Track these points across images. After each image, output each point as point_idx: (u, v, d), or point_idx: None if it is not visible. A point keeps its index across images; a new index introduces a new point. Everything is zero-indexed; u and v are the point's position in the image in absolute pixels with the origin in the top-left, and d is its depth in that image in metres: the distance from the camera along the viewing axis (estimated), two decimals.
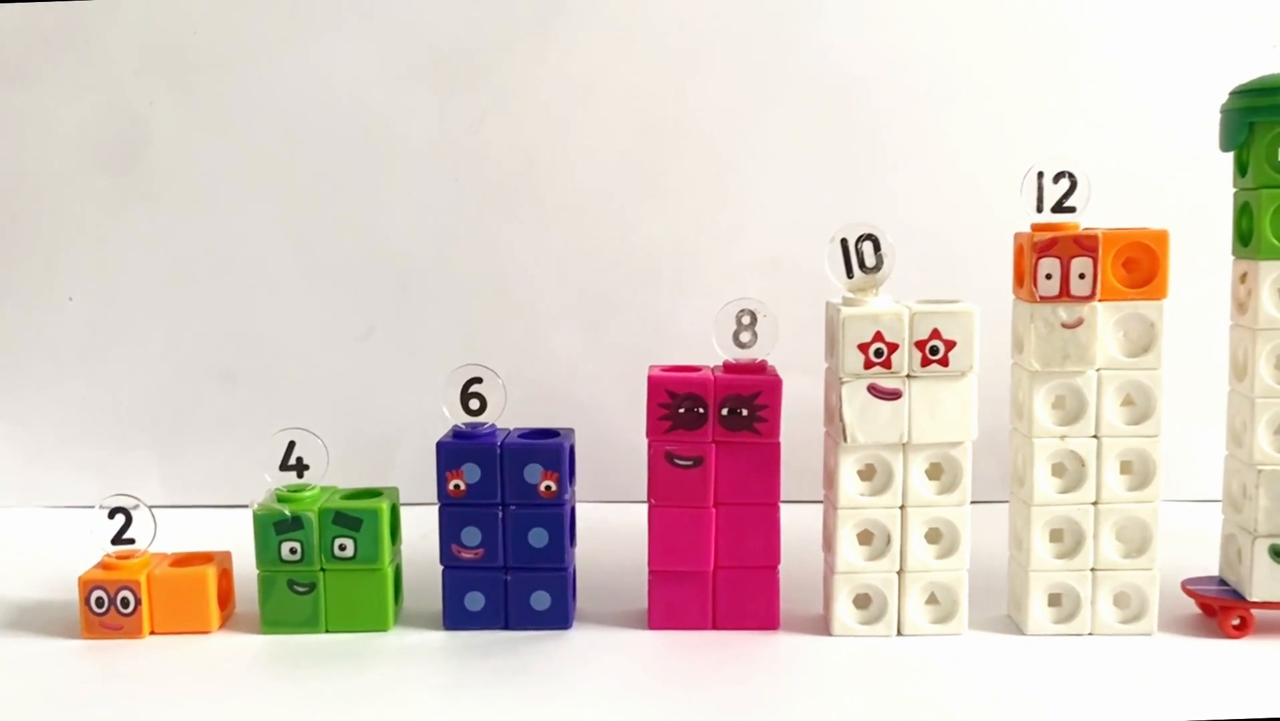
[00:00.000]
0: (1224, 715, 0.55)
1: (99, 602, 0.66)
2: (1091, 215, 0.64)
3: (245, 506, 0.68)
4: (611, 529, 0.70)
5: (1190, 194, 0.67)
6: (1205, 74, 0.65)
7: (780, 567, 0.66)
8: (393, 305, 0.87)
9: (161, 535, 0.69)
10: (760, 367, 0.62)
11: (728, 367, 0.62)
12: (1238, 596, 0.61)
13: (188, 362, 0.89)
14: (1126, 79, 0.82)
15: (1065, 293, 0.58)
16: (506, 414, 0.67)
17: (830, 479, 0.61)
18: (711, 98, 0.84)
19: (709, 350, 0.63)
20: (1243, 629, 0.61)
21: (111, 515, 0.65)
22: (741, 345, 0.62)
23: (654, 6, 0.83)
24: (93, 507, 0.70)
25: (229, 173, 0.87)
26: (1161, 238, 0.58)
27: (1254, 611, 0.61)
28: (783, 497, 0.67)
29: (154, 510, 0.69)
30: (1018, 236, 0.60)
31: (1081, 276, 0.58)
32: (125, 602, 0.66)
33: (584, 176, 0.85)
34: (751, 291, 0.78)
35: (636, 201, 0.86)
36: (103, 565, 0.67)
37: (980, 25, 0.82)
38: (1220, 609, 0.61)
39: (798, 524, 0.67)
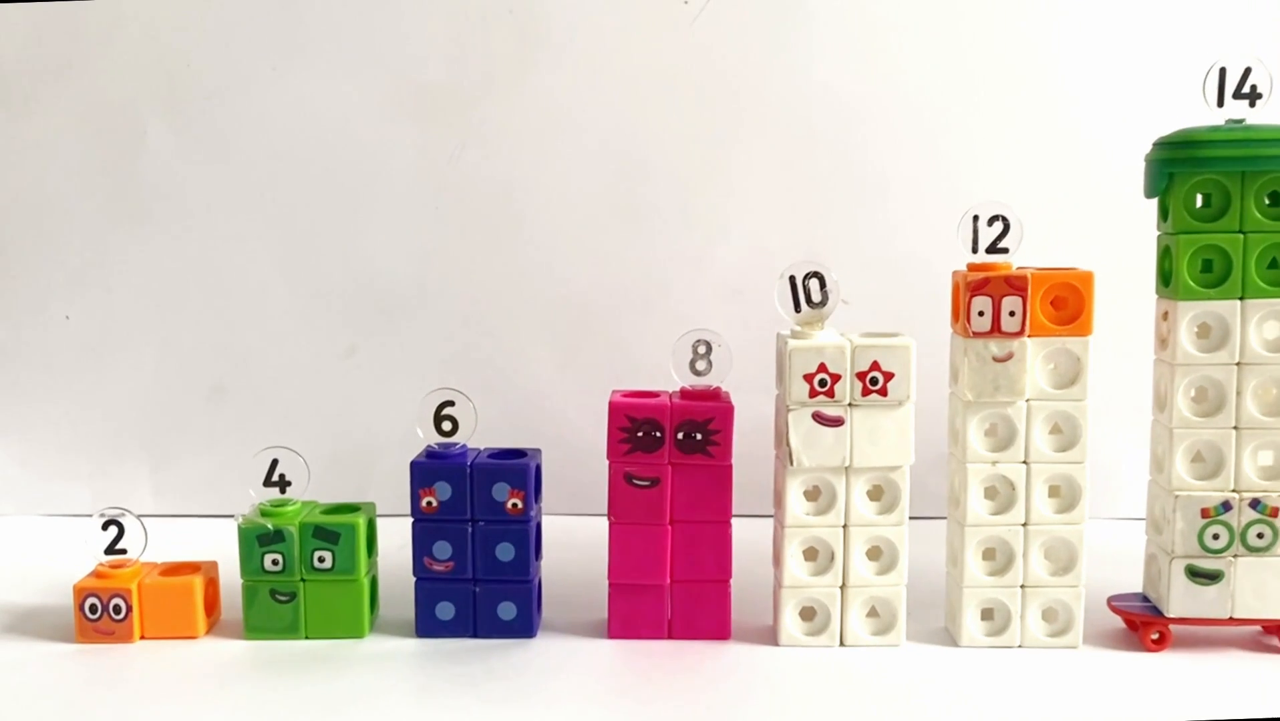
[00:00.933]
0: (1137, 719, 0.57)
1: (92, 609, 0.67)
2: (1035, 254, 0.66)
3: (233, 516, 0.69)
4: (578, 541, 0.72)
5: (1123, 235, 0.69)
6: (1136, 124, 0.67)
7: (732, 580, 0.67)
8: (374, 326, 0.89)
9: (153, 544, 0.71)
10: (715, 394, 0.65)
11: (684, 394, 0.65)
12: (1157, 612, 0.64)
13: (179, 379, 0.91)
14: (1066, 126, 0.85)
15: (996, 329, 0.61)
16: (483, 430, 0.70)
17: (779, 499, 0.64)
18: (680, 133, 0.87)
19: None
20: (1161, 642, 0.64)
21: (105, 526, 0.68)
22: (697, 373, 0.65)
23: (625, 45, 0.86)
24: (88, 516, 0.72)
25: (220, 199, 0.89)
26: (1087, 279, 0.62)
27: (1171, 626, 0.63)
28: (740, 511, 0.68)
29: (145, 521, 0.70)
30: (955, 275, 0.64)
31: (1012, 314, 0.61)
32: (117, 609, 0.68)
33: (557, 206, 0.87)
34: (716, 317, 0.82)
35: (607, 230, 0.88)
36: (96, 573, 0.69)
37: (932, 70, 0.85)
38: (1141, 624, 0.64)
39: (752, 537, 0.69)
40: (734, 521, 0.67)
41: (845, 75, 0.85)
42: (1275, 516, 0.61)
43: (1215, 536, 0.62)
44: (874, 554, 0.64)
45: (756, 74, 0.86)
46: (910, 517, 0.68)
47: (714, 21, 0.84)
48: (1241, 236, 0.60)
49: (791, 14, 0.85)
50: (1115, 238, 0.69)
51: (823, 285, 0.63)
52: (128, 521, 0.67)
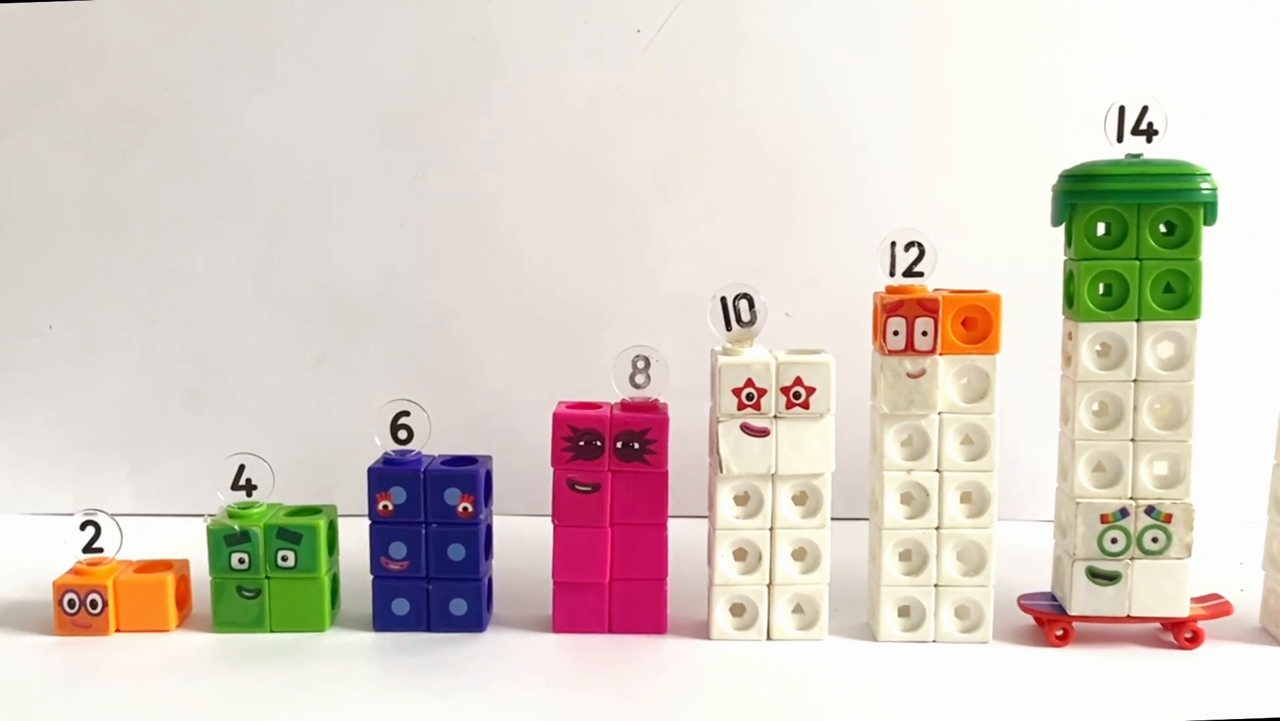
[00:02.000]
0: (1044, 713, 0.61)
1: (70, 604, 0.70)
2: (955, 276, 0.70)
3: (206, 515, 0.72)
4: (528, 540, 0.75)
5: (1037, 259, 0.72)
6: (1046, 156, 0.69)
7: (671, 577, 0.70)
8: (341, 336, 0.92)
9: (130, 542, 0.74)
10: (653, 406, 0.69)
11: (624, 406, 0.69)
12: (1062, 611, 0.68)
13: (156, 385, 0.93)
14: (983, 157, 0.88)
15: (910, 347, 0.66)
16: (443, 435, 0.73)
17: (711, 503, 0.68)
18: (633, 153, 0.89)
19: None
20: (1064, 639, 0.68)
21: (83, 527, 0.71)
22: (636, 386, 0.69)
23: (579, 71, 0.88)
24: (69, 516, 0.76)
25: (195, 216, 0.91)
26: (995, 301, 0.66)
27: (1075, 624, 0.67)
28: (687, 511, 0.73)
29: (124, 520, 0.73)
30: (875, 296, 0.67)
31: (924, 334, 0.65)
32: (94, 604, 0.70)
33: (517, 223, 0.90)
34: (665, 328, 0.86)
35: (562, 246, 0.90)
36: (75, 571, 0.72)
37: (862, 101, 0.88)
38: (1047, 621, 0.68)
39: (698, 536, 0.72)
40: (680, 521, 0.70)
41: (785, 102, 0.88)
42: (1169, 522, 0.65)
43: (1114, 540, 0.66)
44: (799, 554, 0.68)
45: (703, 99, 0.88)
46: (844, 518, 0.72)
47: (664, 50, 0.87)
48: (1138, 263, 0.64)
49: (736, 44, 0.87)
50: (1030, 261, 0.72)
51: (751, 306, 0.66)
52: (104, 522, 0.70)
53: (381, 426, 0.70)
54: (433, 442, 0.72)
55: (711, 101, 0.89)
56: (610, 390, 0.70)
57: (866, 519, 0.71)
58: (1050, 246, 0.68)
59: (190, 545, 0.75)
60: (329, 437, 0.91)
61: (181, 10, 0.89)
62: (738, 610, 0.69)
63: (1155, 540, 0.65)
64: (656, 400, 0.69)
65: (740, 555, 0.69)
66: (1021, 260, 0.73)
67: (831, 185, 0.88)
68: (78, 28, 0.89)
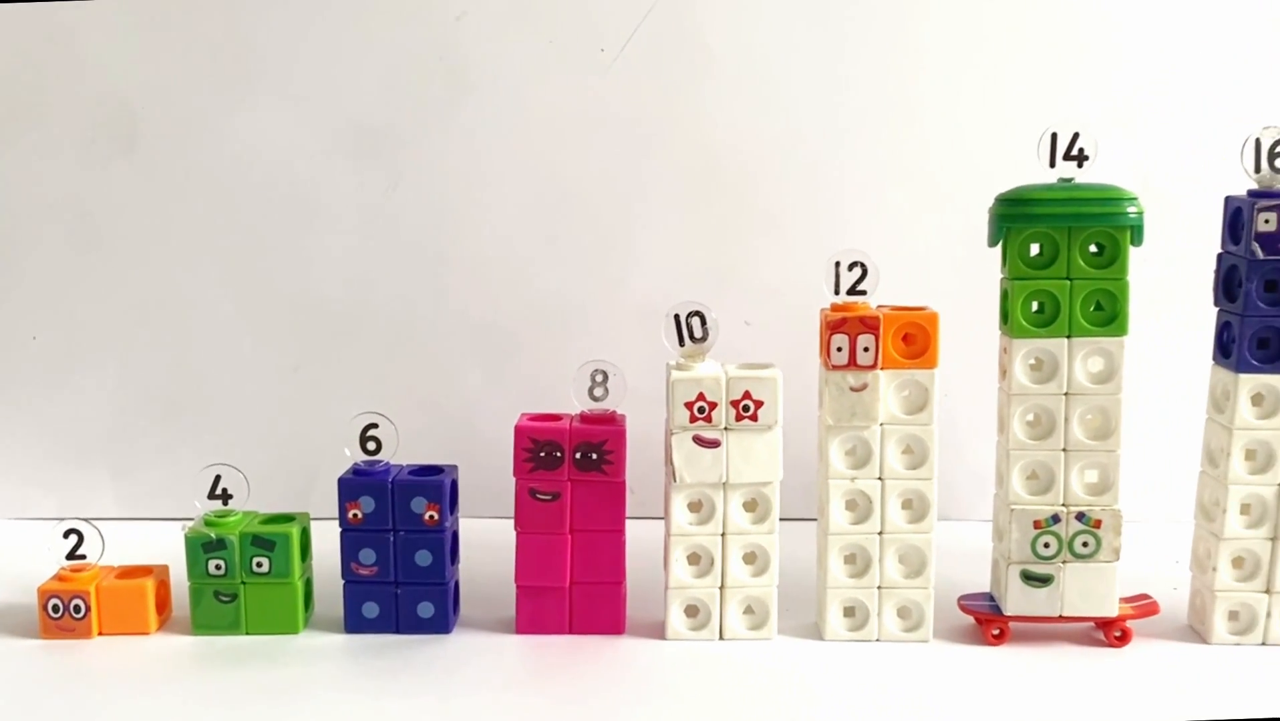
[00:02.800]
0: (981, 709, 0.65)
1: (55, 609, 0.72)
2: (901, 293, 0.72)
3: (186, 519, 0.74)
4: (495, 543, 0.76)
5: (978, 278, 0.74)
6: (984, 180, 0.71)
7: (628, 580, 0.73)
8: (316, 347, 0.93)
9: (112, 546, 0.76)
10: (610, 418, 0.71)
11: (583, 418, 0.71)
12: (998, 611, 0.71)
13: (137, 394, 0.94)
14: (927, 179, 0.89)
15: (853, 362, 0.69)
16: (413, 442, 0.75)
17: (666, 511, 0.71)
18: (595, 169, 0.91)
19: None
20: (1001, 638, 0.71)
21: (66, 535, 0.73)
22: (595, 399, 0.71)
23: (545, 88, 0.90)
24: (53, 520, 0.78)
25: (173, 229, 0.92)
26: (933, 318, 0.69)
27: (1010, 623, 0.71)
28: (647, 514, 0.76)
29: (106, 524, 0.75)
30: (821, 313, 0.70)
31: (866, 350, 0.68)
32: (77, 609, 0.72)
33: (486, 234, 0.91)
34: (628, 338, 0.88)
35: (530, 259, 0.91)
36: (58, 577, 0.73)
37: (816, 120, 0.89)
38: (984, 621, 0.71)
39: (655, 536, 0.74)
40: (644, 521, 0.74)
41: (743, 121, 0.89)
42: (1098, 527, 0.69)
43: (1046, 545, 0.69)
44: (749, 558, 0.71)
45: (665, 116, 0.90)
46: (800, 519, 0.76)
47: (627, 68, 0.89)
48: (1068, 283, 0.67)
49: (697, 64, 0.89)
50: (971, 280, 0.74)
51: (703, 323, 0.69)
52: (86, 530, 0.73)
53: (351, 438, 0.72)
54: (404, 448, 0.74)
55: (673, 118, 0.90)
56: (574, 399, 0.73)
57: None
58: (991, 265, 0.71)
59: (170, 549, 0.77)
60: (305, 444, 0.92)
61: (161, 28, 0.91)
62: (692, 611, 0.72)
63: (1085, 544, 0.69)
64: (614, 412, 0.72)
65: (694, 559, 0.71)
66: (963, 279, 0.75)
67: (788, 200, 0.90)
68: (58, 44, 0.90)
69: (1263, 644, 0.70)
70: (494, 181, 0.92)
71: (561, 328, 0.93)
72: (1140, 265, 0.68)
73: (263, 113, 0.92)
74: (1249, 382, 0.68)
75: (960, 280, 0.79)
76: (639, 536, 0.74)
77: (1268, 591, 0.69)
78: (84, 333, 0.95)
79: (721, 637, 0.72)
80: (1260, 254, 0.65)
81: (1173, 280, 0.76)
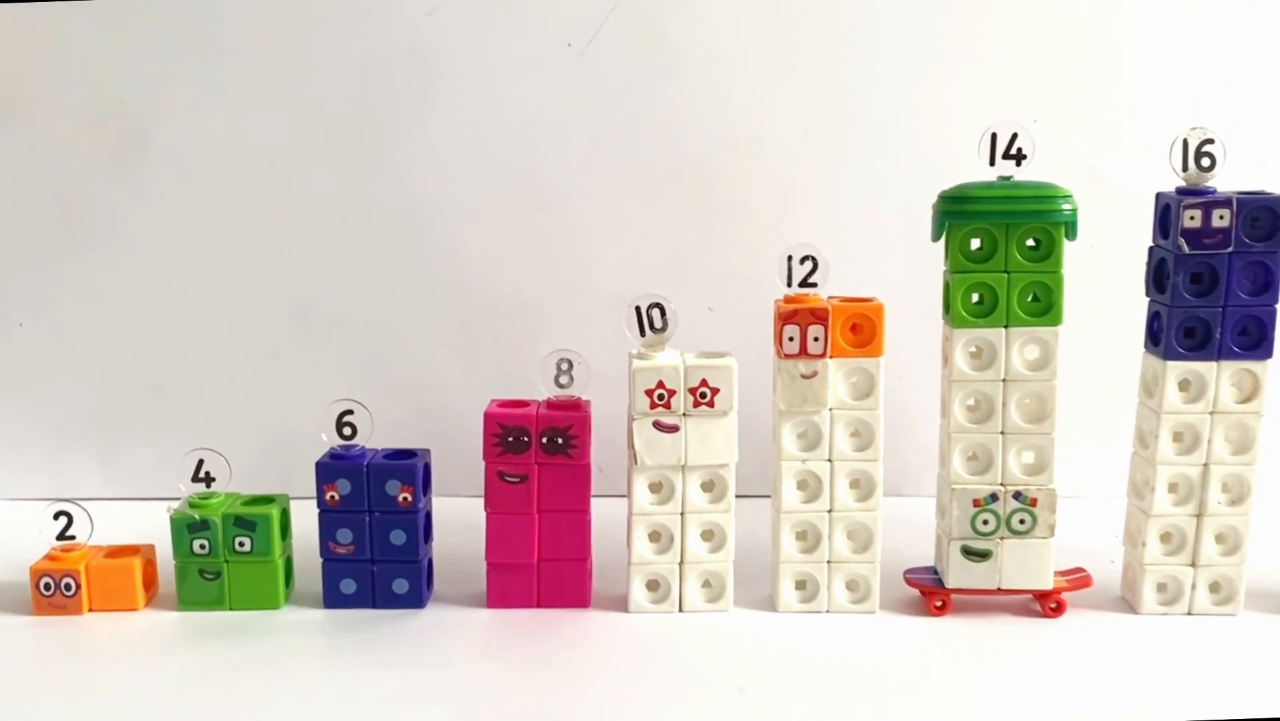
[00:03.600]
0: (923, 676, 0.69)
1: (46, 587, 0.75)
2: (854, 284, 0.75)
3: (171, 499, 0.77)
4: (469, 521, 0.79)
5: (927, 269, 0.78)
6: (931, 175, 0.74)
7: (594, 555, 0.77)
8: (294, 333, 0.95)
9: (100, 525, 0.79)
10: (575, 405, 0.75)
11: (549, 404, 0.75)
12: (940, 583, 0.75)
13: (122, 378, 0.96)
14: (878, 173, 0.92)
15: (804, 351, 0.72)
16: (389, 425, 0.78)
17: (629, 491, 0.75)
18: (565, 160, 0.93)
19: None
20: (943, 609, 0.75)
21: (56, 517, 0.76)
22: (561, 386, 0.75)
23: (514, 82, 0.92)
24: (44, 500, 0.81)
25: (155, 221, 0.94)
26: (879, 309, 0.72)
27: (952, 595, 0.75)
28: (613, 491, 0.79)
29: (91, 504, 0.78)
30: (775, 304, 0.74)
31: (816, 339, 0.72)
32: (68, 587, 0.75)
33: (457, 225, 0.94)
34: (596, 324, 0.90)
35: (501, 248, 0.94)
36: (49, 556, 0.76)
37: (776, 115, 0.92)
38: (927, 593, 0.76)
39: (621, 514, 0.77)
40: (610, 500, 0.77)
41: (704, 115, 0.92)
42: (1034, 505, 0.73)
43: (985, 522, 0.73)
44: (707, 536, 0.75)
45: (630, 110, 0.92)
46: (759, 496, 0.79)
47: (594, 62, 0.91)
48: (1006, 275, 0.71)
49: (660, 60, 0.91)
50: (920, 271, 0.79)
51: (663, 314, 0.72)
52: (76, 512, 0.76)
53: (328, 424, 0.75)
54: (380, 431, 0.77)
55: (637, 112, 0.92)
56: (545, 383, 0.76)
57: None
58: (938, 258, 0.74)
59: (156, 527, 0.80)
60: (283, 426, 0.95)
61: (143, 29, 0.92)
62: (653, 586, 0.76)
63: (1022, 521, 0.73)
64: (579, 399, 0.75)
65: (655, 537, 0.75)
66: (915, 268, 0.80)
67: (747, 192, 0.93)
68: (42, 45, 0.92)
69: (1188, 613, 0.74)
70: (465, 173, 0.94)
71: (531, 315, 0.95)
72: (1090, 255, 0.72)
73: (241, 108, 0.94)
74: (1176, 369, 0.71)
75: (910, 271, 0.84)
76: (606, 513, 0.78)
77: (1193, 565, 0.73)
78: (70, 320, 0.97)
79: (681, 610, 0.75)
80: (1186, 249, 0.69)
81: (1115, 270, 0.79)
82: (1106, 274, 0.82)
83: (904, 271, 0.85)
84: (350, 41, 0.93)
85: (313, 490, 0.76)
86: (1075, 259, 0.73)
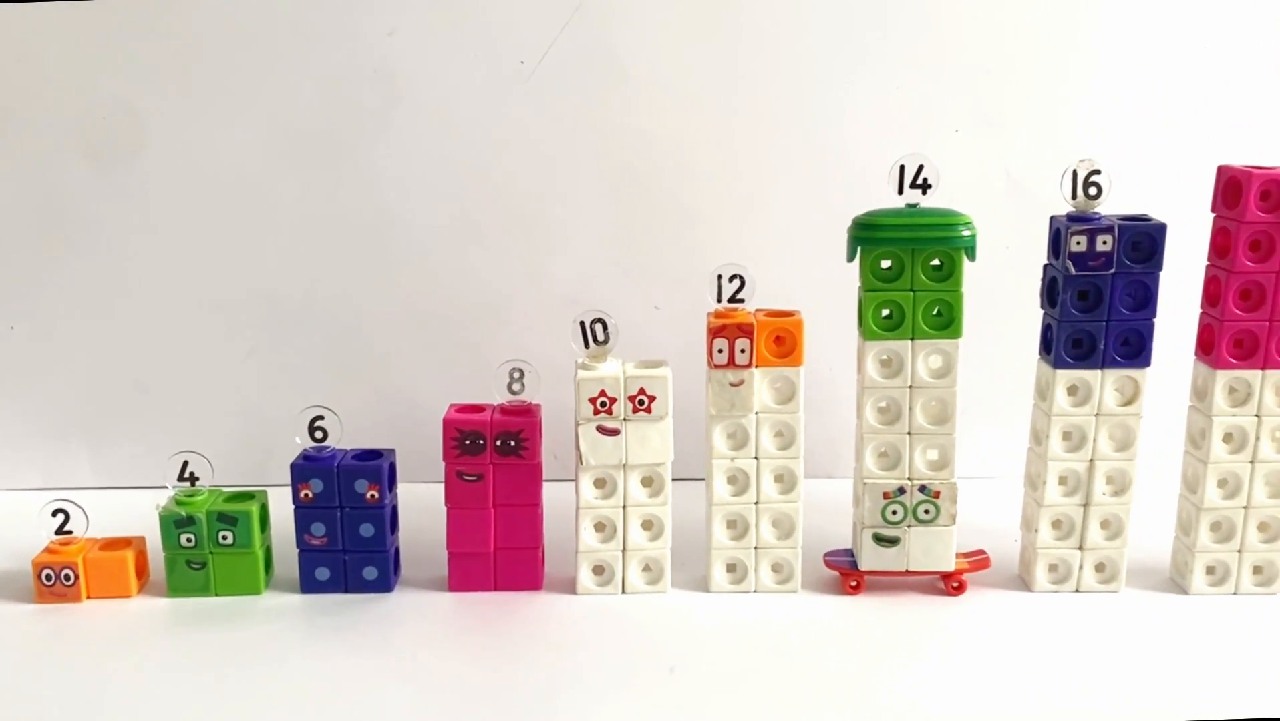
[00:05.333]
0: (838, 648, 0.75)
1: (47, 578, 0.81)
2: (783, 298, 0.81)
3: (156, 487, 0.82)
4: (433, 506, 0.83)
5: (849, 287, 0.82)
6: (867, 199, 0.79)
7: (548, 541, 0.83)
8: (269, 333, 1.00)
9: (93, 514, 0.82)
10: (527, 410, 0.81)
11: (503, 409, 0.81)
12: (855, 566, 0.82)
13: (109, 376, 1.01)
14: (799, 194, 0.98)
15: (731, 362, 0.78)
16: (358, 422, 0.84)
17: (576, 487, 0.81)
18: (520, 171, 0.97)
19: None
20: (858, 588, 0.82)
21: (54, 514, 0.82)
22: (513, 392, 0.82)
23: (471, 97, 0.96)
24: (36, 491, 0.86)
25: (137, 229, 0.98)
26: (799, 324, 0.78)
27: (866, 577, 0.82)
28: (564, 477, 0.84)
29: (82, 494, 0.84)
30: (707, 317, 0.79)
31: (743, 351, 0.78)
32: (67, 577, 0.80)
33: (419, 233, 0.98)
34: (552, 324, 0.93)
35: (463, 253, 0.99)
36: (49, 550, 0.81)
37: (718, 128, 0.97)
38: (844, 574, 0.83)
39: (571, 501, 0.82)
40: (565, 485, 0.82)
41: (649, 128, 0.97)
42: (938, 497, 0.80)
43: (894, 512, 0.80)
44: (646, 526, 0.81)
45: (580, 123, 0.97)
46: (697, 479, 0.84)
47: (546, 77, 0.96)
48: (912, 294, 0.77)
49: (607, 76, 0.96)
50: (845, 288, 0.83)
51: (605, 328, 0.79)
52: (72, 509, 0.82)
53: (301, 427, 0.81)
54: (348, 423, 0.82)
55: (587, 125, 0.97)
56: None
57: None
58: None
59: (144, 516, 0.84)
60: (259, 420, 1.00)
61: (123, 47, 0.95)
62: (598, 571, 0.82)
63: (927, 511, 0.80)
64: (530, 404, 0.81)
65: (600, 528, 0.81)
66: (841, 283, 0.83)
67: (690, 200, 0.98)
68: (28, 61, 0.96)
69: (1076, 591, 0.82)
70: (426, 183, 0.98)
71: (491, 316, 1.00)
72: (1009, 256, 0.79)
73: (217, 122, 0.97)
74: (1065, 376, 0.79)
75: (839, 276, 0.87)
76: (560, 498, 0.83)
77: (1080, 548, 0.81)
78: (59, 323, 1.01)
79: (624, 591, 0.82)
80: (1073, 270, 0.76)
81: (1004, 288, 0.86)
82: (1000, 289, 0.89)
83: (839, 275, 0.86)
84: (318, 61, 0.96)
85: (287, 478, 0.81)
86: (1004, 266, 0.80)
